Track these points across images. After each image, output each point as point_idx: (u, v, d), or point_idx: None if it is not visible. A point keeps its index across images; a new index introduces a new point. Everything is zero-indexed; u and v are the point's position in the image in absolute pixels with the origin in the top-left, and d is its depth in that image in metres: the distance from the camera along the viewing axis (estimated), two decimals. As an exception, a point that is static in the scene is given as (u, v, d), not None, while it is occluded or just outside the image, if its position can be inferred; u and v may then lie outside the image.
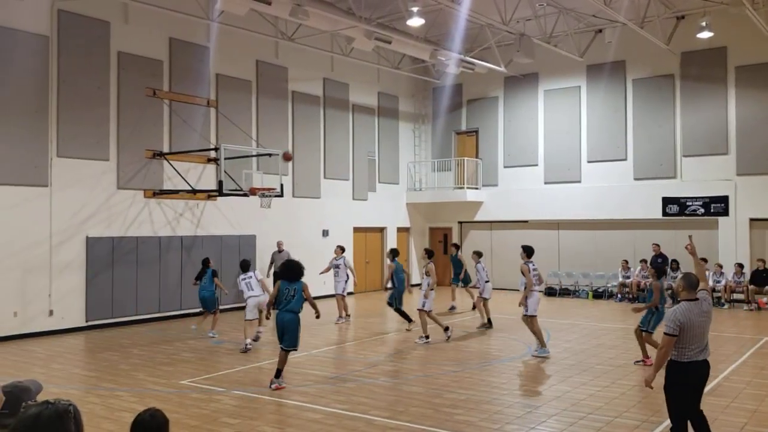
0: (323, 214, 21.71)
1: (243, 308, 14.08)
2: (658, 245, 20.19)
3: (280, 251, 18.46)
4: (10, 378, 3.19)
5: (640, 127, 21.52)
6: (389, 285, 15.67)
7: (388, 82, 24.38)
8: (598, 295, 21.56)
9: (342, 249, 16.86)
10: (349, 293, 15.85)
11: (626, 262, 20.92)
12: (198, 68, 17.84)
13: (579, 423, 8.06)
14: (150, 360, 12.03)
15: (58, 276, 14.93)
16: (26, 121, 14.40)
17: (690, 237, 7.49)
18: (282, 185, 16.65)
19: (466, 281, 18.50)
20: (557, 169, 23.01)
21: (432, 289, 13.74)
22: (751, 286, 18.76)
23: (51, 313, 14.81)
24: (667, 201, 20.79)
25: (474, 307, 17.28)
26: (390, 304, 15.48)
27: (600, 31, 21.56)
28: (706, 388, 9.19)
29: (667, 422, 8.03)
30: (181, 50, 17.51)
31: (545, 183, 23.28)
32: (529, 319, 12.24)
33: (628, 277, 20.70)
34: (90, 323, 15.48)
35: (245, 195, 16.02)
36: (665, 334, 6.21)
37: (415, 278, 25.79)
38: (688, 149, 20.69)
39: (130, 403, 8.98)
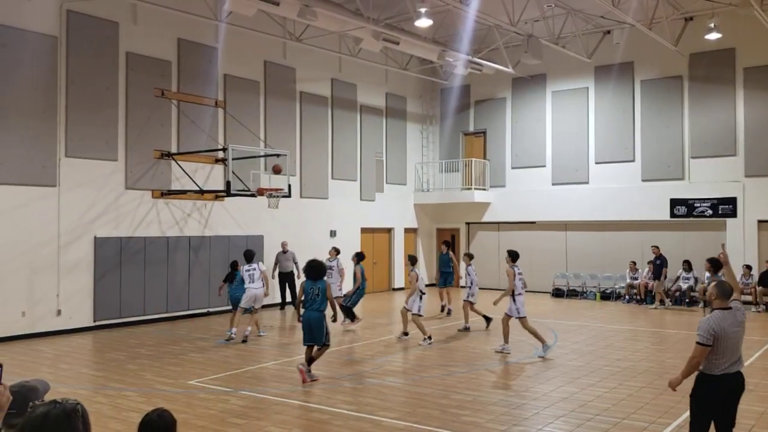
0: (331, 214, 21.72)
1: (251, 309, 14.28)
2: (657, 247, 20.13)
3: (284, 252, 18.48)
4: (18, 378, 3.20)
5: (648, 128, 21.45)
6: (349, 289, 15.97)
7: (396, 82, 24.38)
8: (605, 296, 21.49)
9: (337, 251, 16.53)
10: (345, 296, 15.85)
11: (634, 263, 20.86)
12: (206, 69, 17.88)
13: (586, 425, 8.04)
14: (157, 360, 12.06)
15: (66, 276, 14.98)
16: (35, 121, 14.46)
17: (723, 245, 7.49)
18: (290, 186, 16.66)
19: (449, 282, 17.84)
20: (565, 171, 22.96)
21: (418, 294, 13.83)
22: (760, 288, 18.69)
23: (59, 312, 14.86)
24: (675, 202, 20.72)
25: (443, 310, 17.20)
26: (344, 303, 15.73)
27: (608, 32, 21.49)
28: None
29: (675, 424, 8.02)
30: (190, 51, 17.55)
31: (553, 184, 23.23)
32: (521, 321, 12.43)
33: (636, 279, 20.64)
34: (98, 323, 15.53)
35: (253, 195, 16.05)
36: (698, 343, 5.78)
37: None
38: (696, 150, 20.61)
39: (137, 403, 9.00)
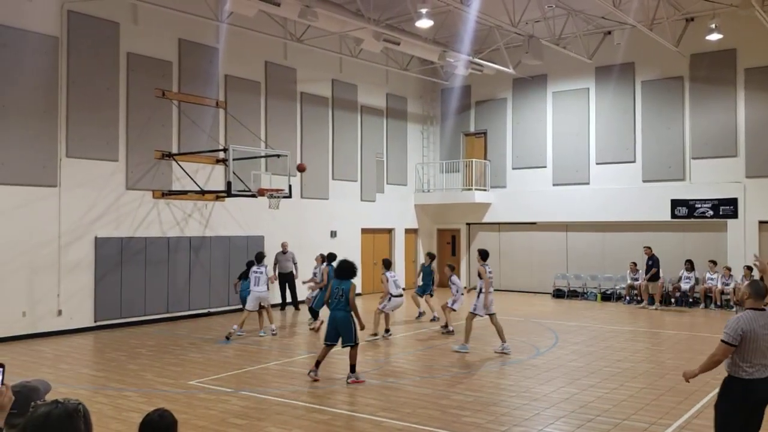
0: (331, 215, 21.73)
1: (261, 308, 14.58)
2: (649, 248, 20.14)
3: (284, 252, 18.48)
4: (19, 378, 3.20)
5: (648, 129, 21.45)
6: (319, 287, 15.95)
7: (397, 83, 24.39)
8: (606, 297, 21.48)
9: (323, 257, 16.18)
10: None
11: (635, 264, 20.83)
12: (207, 69, 17.89)
13: (587, 425, 8.04)
14: (158, 360, 12.06)
15: (66, 276, 14.98)
16: (35, 121, 14.47)
17: (755, 256, 7.54)
18: (290, 186, 16.68)
19: (428, 291, 17.21)
20: (566, 171, 22.95)
21: (388, 297, 14.40)
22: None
23: (59, 313, 14.87)
24: (675, 203, 20.71)
25: (420, 316, 17.12)
26: (312, 304, 15.87)
27: (609, 32, 21.48)
28: (718, 389, 9.19)
29: (675, 425, 8.02)
30: (191, 51, 17.56)
31: (554, 185, 23.22)
32: (470, 316, 12.82)
33: (637, 279, 20.63)
34: (98, 323, 15.53)
35: (253, 196, 16.07)
36: (722, 341, 5.49)
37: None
38: (697, 151, 20.61)
39: (138, 404, 9.01)
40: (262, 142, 19.12)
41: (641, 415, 8.46)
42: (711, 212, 20.17)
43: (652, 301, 19.70)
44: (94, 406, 8.59)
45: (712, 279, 19.53)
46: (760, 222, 19.61)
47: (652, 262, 19.78)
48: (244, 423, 8.15)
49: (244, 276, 15.55)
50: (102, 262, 15.61)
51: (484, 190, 24.52)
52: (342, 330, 10.34)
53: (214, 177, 18.06)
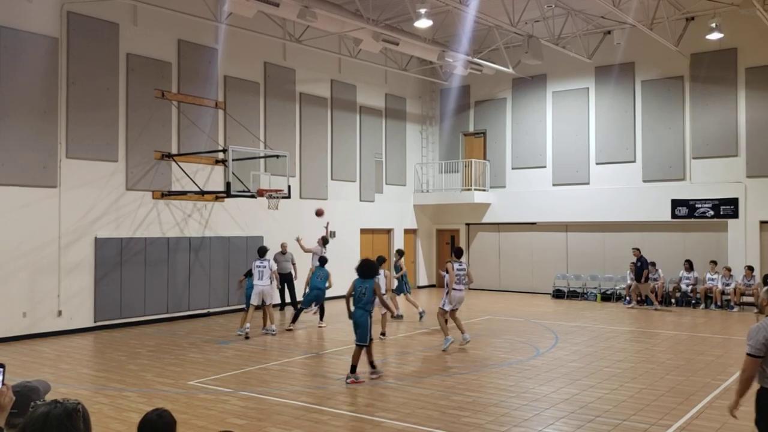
0: (330, 215, 21.67)
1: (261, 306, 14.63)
2: (638, 249, 20.12)
3: (283, 253, 18.44)
4: (19, 378, 3.20)
5: (648, 129, 21.45)
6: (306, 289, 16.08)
7: (396, 83, 24.39)
8: (606, 297, 21.49)
9: (324, 240, 16.53)
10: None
11: (634, 264, 20.82)
12: (206, 70, 17.89)
13: (587, 426, 8.03)
14: (158, 360, 12.06)
15: (66, 276, 14.98)
16: (35, 122, 14.46)
17: None
18: (289, 187, 16.68)
19: (404, 289, 17.49)
20: (565, 171, 22.95)
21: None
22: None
23: (59, 313, 14.86)
24: (676, 203, 20.71)
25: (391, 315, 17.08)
26: (301, 303, 15.98)
27: (609, 32, 21.48)
28: (719, 389, 9.18)
29: (676, 425, 8.01)
30: (190, 52, 17.56)
31: (553, 185, 23.22)
32: (440, 312, 13.21)
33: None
34: (98, 324, 15.53)
35: (253, 196, 16.07)
36: (748, 354, 5.13)
37: (422, 280, 25.87)
38: (697, 151, 20.61)
39: (137, 404, 9.00)
40: (261, 142, 19.12)
41: (641, 415, 8.45)
42: (711, 212, 20.17)
43: (650, 303, 19.67)
44: (94, 406, 8.59)
45: (712, 279, 19.53)
46: (761, 222, 19.60)
47: (641, 264, 19.78)
48: (243, 423, 8.14)
49: (250, 274, 15.55)
50: (102, 262, 15.60)
51: (484, 190, 24.52)
52: (356, 328, 10.45)
53: (213, 177, 18.06)
